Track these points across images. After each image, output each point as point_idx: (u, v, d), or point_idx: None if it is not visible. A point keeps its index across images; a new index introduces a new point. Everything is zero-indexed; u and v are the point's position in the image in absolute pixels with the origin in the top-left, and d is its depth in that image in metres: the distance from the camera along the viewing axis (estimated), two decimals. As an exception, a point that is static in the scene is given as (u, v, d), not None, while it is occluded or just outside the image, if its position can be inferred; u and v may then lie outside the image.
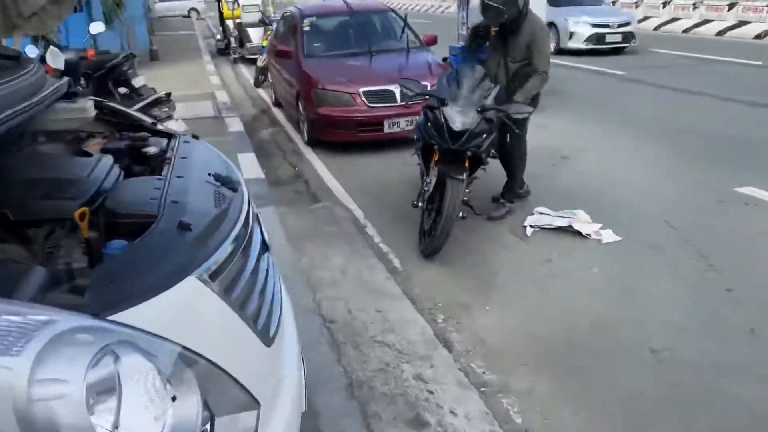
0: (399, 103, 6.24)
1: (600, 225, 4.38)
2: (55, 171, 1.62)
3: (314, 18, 7.95)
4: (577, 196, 4.96)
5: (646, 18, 18.18)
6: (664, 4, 18.29)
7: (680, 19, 17.50)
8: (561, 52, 12.73)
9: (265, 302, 1.59)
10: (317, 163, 6.34)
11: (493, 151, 4.37)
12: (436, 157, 4.04)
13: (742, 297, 3.47)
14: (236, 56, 14.23)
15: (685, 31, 16.83)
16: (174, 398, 1.09)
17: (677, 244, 4.16)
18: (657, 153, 6.07)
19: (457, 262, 4.05)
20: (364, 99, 6.44)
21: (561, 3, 13.07)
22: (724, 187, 5.05)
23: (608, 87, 9.79)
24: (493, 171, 4.63)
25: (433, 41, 7.89)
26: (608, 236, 4.27)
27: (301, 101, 6.97)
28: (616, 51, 13.03)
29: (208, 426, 1.19)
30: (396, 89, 6.20)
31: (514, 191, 4.79)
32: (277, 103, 8.95)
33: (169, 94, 4.81)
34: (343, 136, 6.55)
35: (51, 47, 5.22)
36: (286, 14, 8.88)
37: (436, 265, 4.03)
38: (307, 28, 7.69)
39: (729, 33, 15.59)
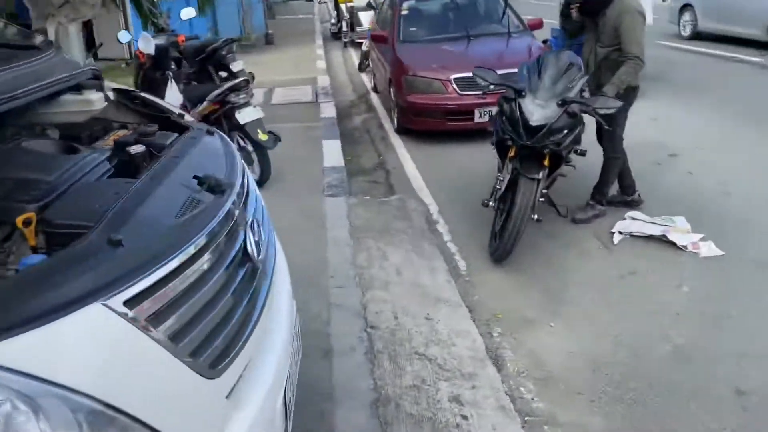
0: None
1: (700, 236, 3.84)
2: (19, 170, 1.53)
3: (414, 1, 7.72)
4: (681, 200, 4.40)
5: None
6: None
7: None
8: (698, 36, 11.49)
9: (231, 325, 1.42)
10: (402, 151, 6.14)
11: (580, 148, 3.95)
12: (511, 153, 3.71)
13: None
14: (346, 40, 14.31)
15: None
16: None
17: (793, 264, 3.55)
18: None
19: (528, 269, 3.71)
20: (455, 86, 6.14)
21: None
22: None
23: (740, 76, 8.64)
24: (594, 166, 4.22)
25: (538, 25, 7.41)
26: (708, 250, 3.73)
27: (393, 87, 6.79)
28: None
29: None
30: None
31: (604, 192, 4.33)
32: (376, 89, 8.84)
33: (247, 81, 4.82)
34: (431, 124, 6.30)
35: (143, 33, 5.39)
36: (388, -2, 8.73)
37: (504, 270, 3.71)
38: (405, 12, 7.50)
39: None
